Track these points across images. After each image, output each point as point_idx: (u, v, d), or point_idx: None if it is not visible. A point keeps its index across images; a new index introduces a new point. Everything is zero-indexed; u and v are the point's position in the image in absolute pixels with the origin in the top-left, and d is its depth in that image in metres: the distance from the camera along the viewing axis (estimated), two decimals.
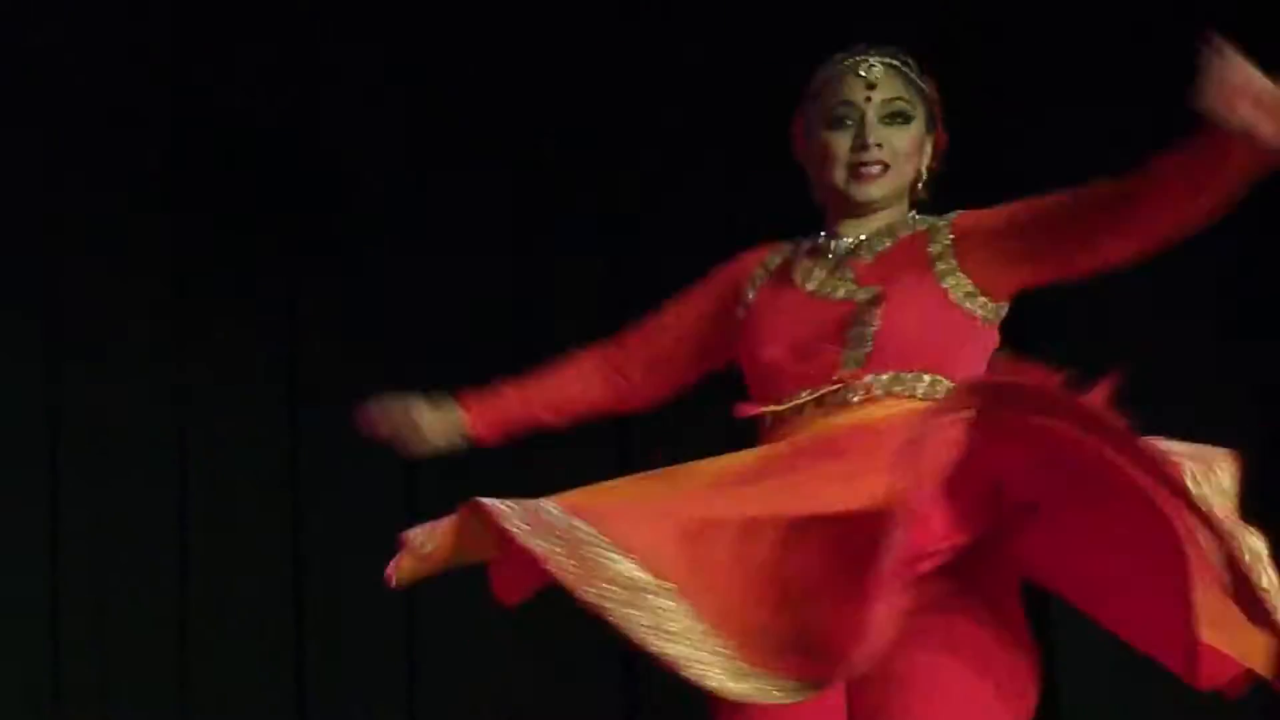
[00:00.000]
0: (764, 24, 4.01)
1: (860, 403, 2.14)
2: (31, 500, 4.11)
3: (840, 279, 2.22)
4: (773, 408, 2.17)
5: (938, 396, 2.11)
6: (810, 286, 2.23)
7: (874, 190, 2.21)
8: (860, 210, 2.23)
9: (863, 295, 2.18)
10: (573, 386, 2.36)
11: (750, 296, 2.28)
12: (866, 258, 2.22)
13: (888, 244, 2.23)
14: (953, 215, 2.23)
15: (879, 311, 2.15)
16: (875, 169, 2.21)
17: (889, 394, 2.13)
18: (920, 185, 2.26)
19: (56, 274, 4.16)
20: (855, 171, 2.21)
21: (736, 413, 2.22)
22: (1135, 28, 4.69)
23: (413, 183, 4.28)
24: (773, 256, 2.31)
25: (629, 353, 2.35)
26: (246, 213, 4.28)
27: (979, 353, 2.19)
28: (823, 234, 2.26)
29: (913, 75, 2.25)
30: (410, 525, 2.14)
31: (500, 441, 2.36)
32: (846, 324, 2.17)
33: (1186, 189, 2.03)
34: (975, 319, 2.18)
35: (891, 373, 2.15)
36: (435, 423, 2.29)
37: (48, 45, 4.15)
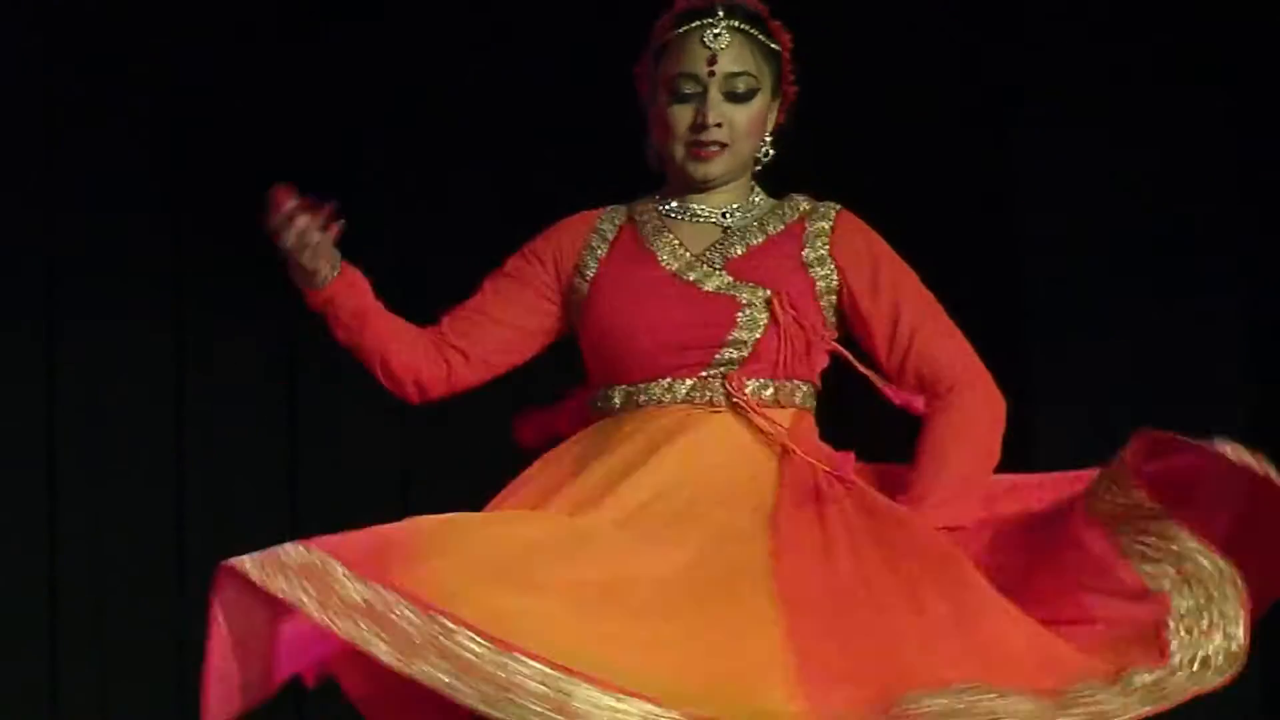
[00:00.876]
0: None
1: (731, 405, 2.11)
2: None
3: (710, 267, 2.17)
4: (626, 389, 2.13)
5: (808, 407, 2.14)
6: (673, 266, 2.17)
7: (712, 169, 2.16)
8: (701, 186, 2.18)
9: (746, 296, 2.14)
10: (406, 351, 2.17)
11: (592, 269, 2.20)
12: (738, 250, 2.18)
13: (759, 239, 2.19)
14: (835, 207, 2.22)
15: (764, 319, 2.13)
16: (714, 148, 2.14)
17: (768, 403, 2.12)
18: (766, 154, 2.21)
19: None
20: (693, 150, 2.15)
21: (578, 394, 2.19)
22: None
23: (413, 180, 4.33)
24: (606, 223, 2.23)
25: (445, 338, 2.19)
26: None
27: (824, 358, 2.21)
28: (669, 203, 2.21)
29: (761, 38, 2.17)
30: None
31: (332, 314, 2.17)
32: (726, 323, 2.13)
33: None
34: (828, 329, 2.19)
35: (771, 380, 2.13)
36: (322, 253, 2.08)
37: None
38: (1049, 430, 4.43)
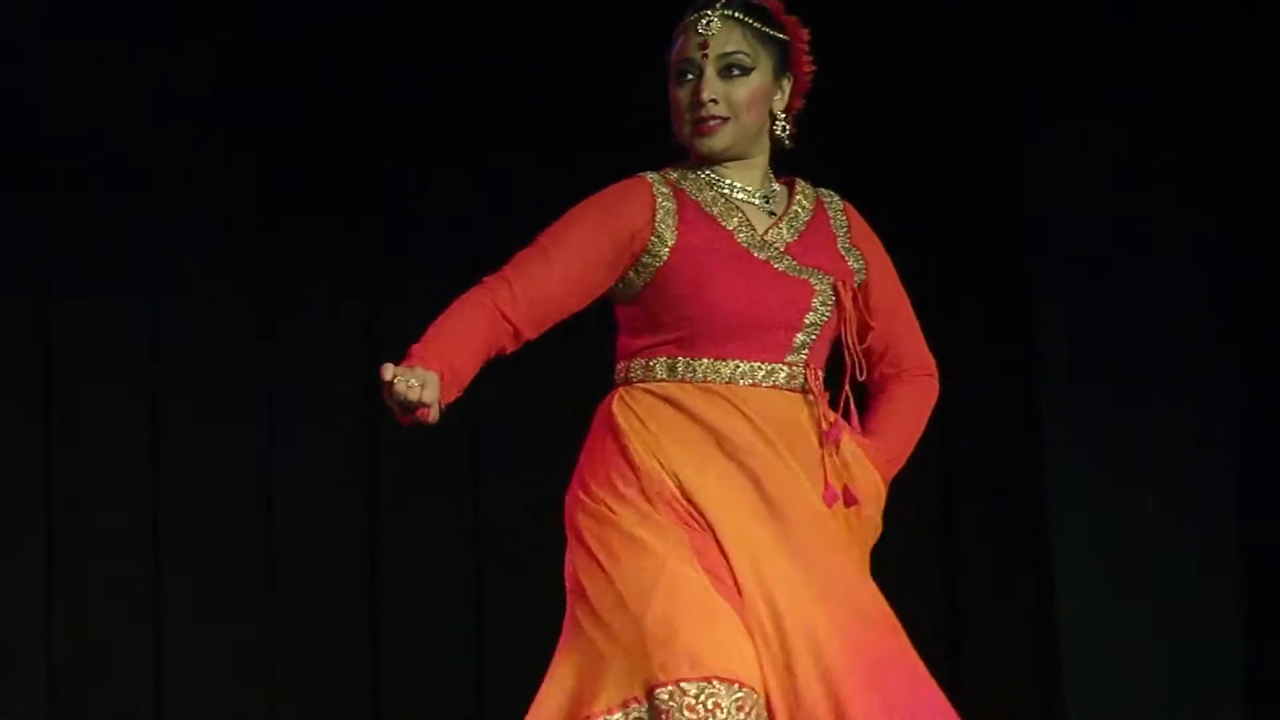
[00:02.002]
0: None
1: (793, 388, 2.24)
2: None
3: (775, 249, 2.25)
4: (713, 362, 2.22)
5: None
6: (746, 243, 2.24)
7: (715, 142, 2.25)
8: (715, 159, 2.27)
9: (815, 281, 2.25)
10: (482, 353, 2.21)
11: (670, 238, 2.23)
12: (789, 235, 2.28)
13: (802, 225, 2.29)
14: (835, 195, 2.36)
15: (831, 304, 2.26)
16: (713, 122, 2.23)
17: (818, 391, 2.25)
18: (780, 126, 2.30)
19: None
20: (696, 127, 2.24)
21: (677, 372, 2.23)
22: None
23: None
24: (661, 189, 2.27)
25: (518, 303, 2.21)
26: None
27: None
28: (721, 180, 2.28)
29: (755, 24, 2.26)
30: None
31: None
32: (804, 305, 2.24)
33: None
34: None
35: (819, 370, 2.28)
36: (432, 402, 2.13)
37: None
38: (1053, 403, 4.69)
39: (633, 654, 2.11)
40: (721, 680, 2.07)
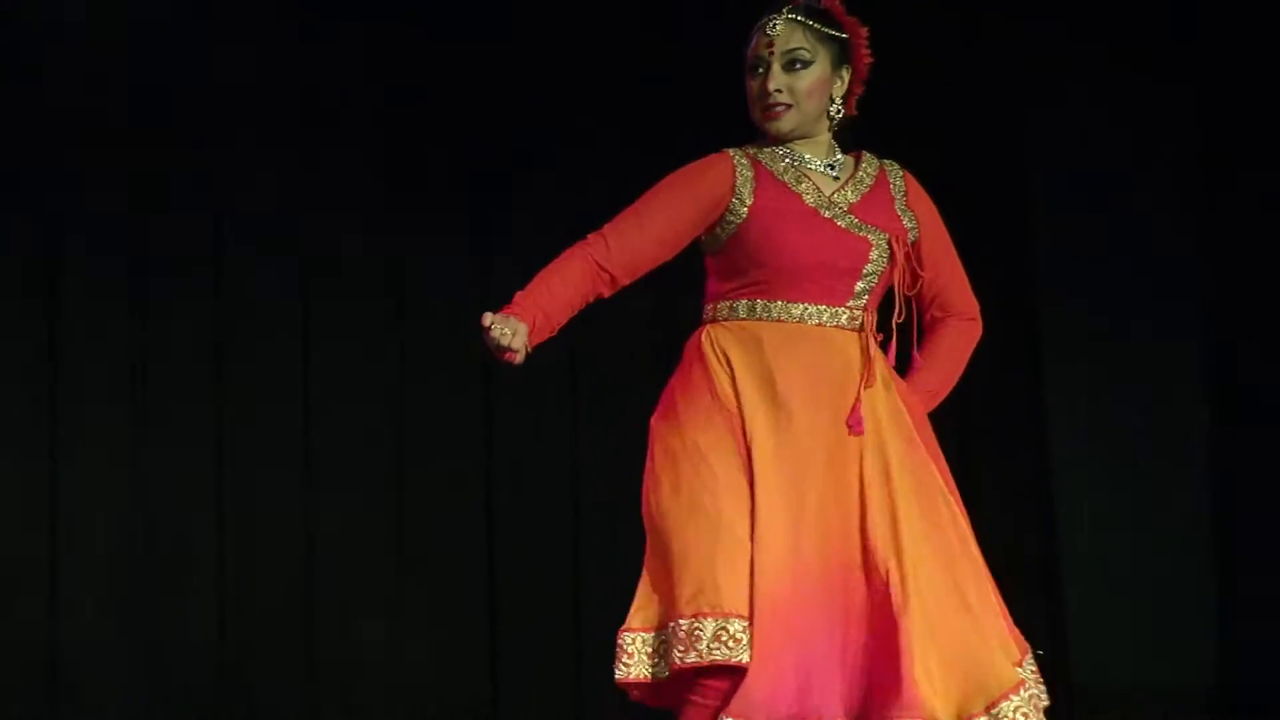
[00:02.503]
0: None
1: (853, 329, 2.49)
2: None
3: (839, 209, 2.48)
4: (789, 305, 2.46)
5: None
6: (810, 201, 2.48)
7: (781, 125, 2.50)
8: (783, 139, 2.52)
9: (873, 237, 2.48)
10: (577, 301, 2.47)
11: (748, 200, 2.47)
12: (852, 197, 2.51)
13: (865, 189, 2.53)
14: (898, 165, 2.59)
15: (886, 257, 2.49)
16: (779, 109, 2.48)
17: (870, 330, 2.51)
18: (837, 111, 2.53)
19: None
20: (765, 113, 2.50)
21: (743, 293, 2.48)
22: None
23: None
24: (741, 161, 2.51)
25: (613, 255, 2.45)
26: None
27: None
28: (793, 152, 2.52)
29: (815, 25, 2.49)
30: None
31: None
32: (862, 258, 2.47)
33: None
34: None
35: (874, 313, 2.53)
36: (521, 347, 2.40)
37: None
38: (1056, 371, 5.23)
39: (672, 581, 2.41)
40: (709, 616, 2.35)
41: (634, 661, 2.41)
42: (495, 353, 2.35)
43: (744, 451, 2.41)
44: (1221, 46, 5.14)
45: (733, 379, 2.44)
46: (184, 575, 5.19)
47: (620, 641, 2.43)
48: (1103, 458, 5.48)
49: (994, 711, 2.36)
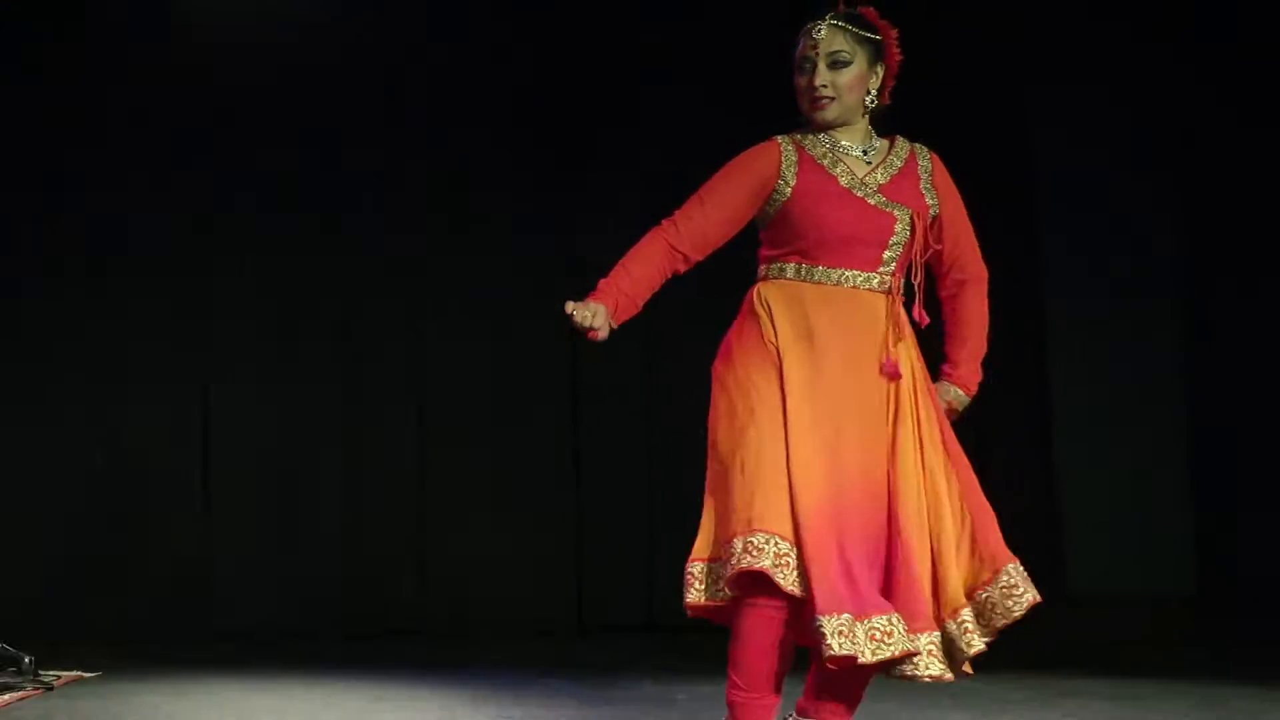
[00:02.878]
0: None
1: (882, 291, 2.71)
2: None
3: (869, 189, 2.71)
4: (829, 269, 2.68)
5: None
6: (844, 182, 2.70)
7: (826, 114, 2.73)
8: (827, 126, 2.75)
9: (899, 213, 2.71)
10: (655, 279, 2.72)
11: (792, 182, 2.69)
12: (881, 178, 2.73)
13: (894, 171, 2.74)
14: (926, 149, 2.80)
15: (909, 231, 2.72)
16: (824, 101, 2.71)
17: (897, 292, 2.73)
18: (873, 101, 2.75)
19: None
20: (811, 104, 2.73)
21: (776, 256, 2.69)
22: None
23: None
24: (786, 148, 2.74)
25: (683, 237, 2.70)
26: None
27: None
28: (829, 138, 2.74)
29: (853, 29, 2.72)
30: None
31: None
32: (888, 231, 2.70)
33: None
34: None
35: (900, 277, 2.75)
36: (603, 326, 2.64)
37: None
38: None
39: (729, 506, 2.63)
40: (762, 533, 2.56)
41: (701, 588, 2.62)
42: (581, 333, 2.62)
43: (782, 386, 2.65)
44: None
45: (774, 326, 2.68)
46: (315, 494, 5.91)
47: (689, 571, 2.64)
48: (1101, 403, 6.02)
49: (993, 584, 2.65)
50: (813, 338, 2.66)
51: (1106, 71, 5.77)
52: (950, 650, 2.60)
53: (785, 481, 2.58)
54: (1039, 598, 2.63)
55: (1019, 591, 2.61)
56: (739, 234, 2.75)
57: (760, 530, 2.54)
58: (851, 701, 2.71)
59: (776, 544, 2.54)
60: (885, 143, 2.78)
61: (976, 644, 2.59)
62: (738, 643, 2.60)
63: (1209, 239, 5.81)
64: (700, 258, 2.73)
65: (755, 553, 2.53)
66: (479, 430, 5.96)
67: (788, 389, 2.62)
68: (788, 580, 2.53)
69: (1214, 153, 5.69)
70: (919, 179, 2.75)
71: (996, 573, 2.62)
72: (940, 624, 2.60)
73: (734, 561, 2.54)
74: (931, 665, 2.56)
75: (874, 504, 2.62)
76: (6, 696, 4.05)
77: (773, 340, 2.67)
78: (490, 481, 5.96)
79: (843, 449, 2.62)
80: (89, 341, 5.78)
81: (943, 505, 2.65)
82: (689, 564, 2.65)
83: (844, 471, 2.61)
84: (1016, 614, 2.61)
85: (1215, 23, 5.60)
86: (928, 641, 2.56)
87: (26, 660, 4.36)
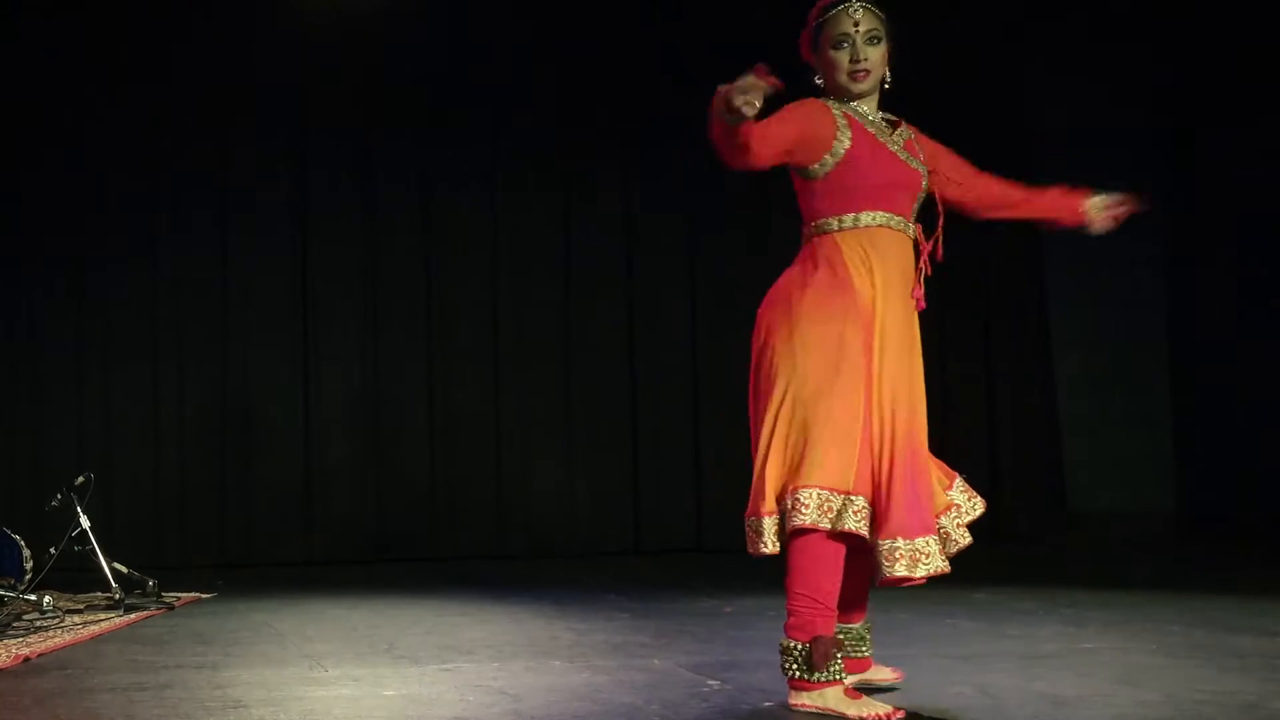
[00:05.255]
0: None
1: (909, 234, 2.91)
2: None
3: (901, 150, 2.91)
4: (874, 214, 2.86)
5: None
6: (882, 140, 2.90)
7: (864, 86, 2.90)
8: (857, 97, 2.92)
9: (922, 170, 2.94)
10: (743, 127, 2.64)
11: (847, 141, 2.85)
12: (901, 142, 2.93)
13: (907, 137, 2.95)
14: (907, 125, 2.97)
15: (926, 184, 2.95)
16: (862, 73, 2.88)
17: (919, 235, 2.95)
18: (887, 79, 2.94)
19: None
20: (851, 75, 2.89)
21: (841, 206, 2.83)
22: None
23: None
24: (838, 111, 2.89)
25: (754, 131, 2.67)
26: None
27: None
28: (852, 103, 2.91)
29: (880, 12, 2.90)
30: None
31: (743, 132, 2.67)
32: (918, 185, 2.92)
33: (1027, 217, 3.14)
34: None
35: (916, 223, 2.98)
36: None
37: None
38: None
39: (802, 455, 2.78)
40: (823, 489, 2.72)
41: (767, 540, 2.74)
42: (734, 103, 2.53)
43: (872, 341, 2.81)
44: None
45: (871, 278, 2.83)
46: (403, 423, 6.34)
47: (760, 525, 2.76)
48: (1092, 333, 6.30)
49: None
50: (886, 282, 2.83)
51: (1107, 72, 6.08)
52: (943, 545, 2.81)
53: (860, 435, 2.73)
54: (985, 504, 2.91)
55: (973, 498, 2.91)
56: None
57: (838, 490, 2.71)
58: (864, 601, 2.98)
59: (855, 501, 2.71)
60: (884, 115, 2.98)
61: (966, 537, 2.84)
62: (807, 566, 2.73)
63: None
64: (756, 163, 2.76)
65: (846, 513, 2.69)
66: (545, 373, 6.46)
67: (878, 347, 2.78)
68: (864, 529, 2.70)
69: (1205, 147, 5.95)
70: (916, 146, 2.97)
71: (953, 479, 2.90)
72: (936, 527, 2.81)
73: (819, 520, 2.68)
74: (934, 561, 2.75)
75: (907, 426, 2.79)
76: (135, 615, 4.36)
77: (867, 293, 2.81)
78: (560, 414, 6.46)
79: (899, 394, 2.79)
80: (210, 300, 6.40)
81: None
82: (758, 517, 2.77)
83: (900, 416, 2.78)
84: (975, 514, 2.87)
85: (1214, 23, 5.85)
86: (936, 543, 2.77)
87: (151, 583, 4.73)
